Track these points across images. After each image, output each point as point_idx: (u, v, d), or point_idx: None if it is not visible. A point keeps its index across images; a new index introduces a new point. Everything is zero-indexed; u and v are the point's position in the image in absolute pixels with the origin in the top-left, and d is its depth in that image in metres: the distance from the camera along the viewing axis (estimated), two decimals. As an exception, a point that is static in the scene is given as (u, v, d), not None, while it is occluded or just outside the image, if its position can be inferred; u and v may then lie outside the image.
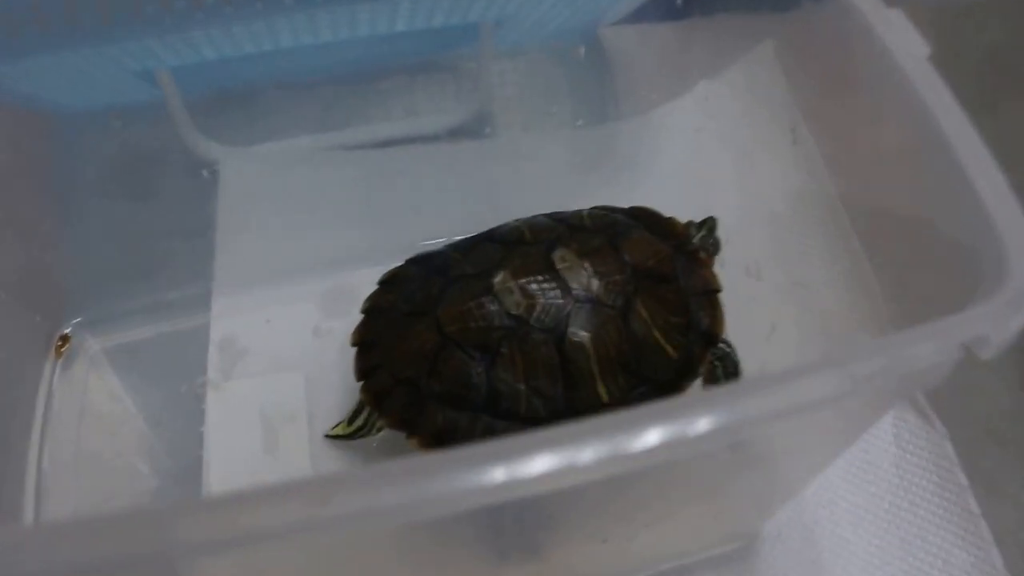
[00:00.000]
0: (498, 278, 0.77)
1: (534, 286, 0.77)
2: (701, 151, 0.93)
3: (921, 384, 0.54)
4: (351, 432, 0.84)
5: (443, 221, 0.95)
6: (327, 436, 0.85)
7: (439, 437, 0.76)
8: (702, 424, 0.47)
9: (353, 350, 0.80)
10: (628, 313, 0.77)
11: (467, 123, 1.00)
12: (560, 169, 0.96)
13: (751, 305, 0.84)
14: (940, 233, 0.64)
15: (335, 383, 0.88)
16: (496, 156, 0.98)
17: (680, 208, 0.87)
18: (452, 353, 0.76)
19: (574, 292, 0.77)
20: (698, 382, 0.80)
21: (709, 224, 0.87)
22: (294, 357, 0.90)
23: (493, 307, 0.76)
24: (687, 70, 0.97)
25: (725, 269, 0.85)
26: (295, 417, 0.87)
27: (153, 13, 0.79)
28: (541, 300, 0.76)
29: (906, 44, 0.67)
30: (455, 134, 1.00)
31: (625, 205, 0.88)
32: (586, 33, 1.01)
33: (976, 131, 0.62)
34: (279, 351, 0.91)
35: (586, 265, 0.78)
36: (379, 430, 0.83)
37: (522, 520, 0.62)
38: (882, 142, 0.74)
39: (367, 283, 0.86)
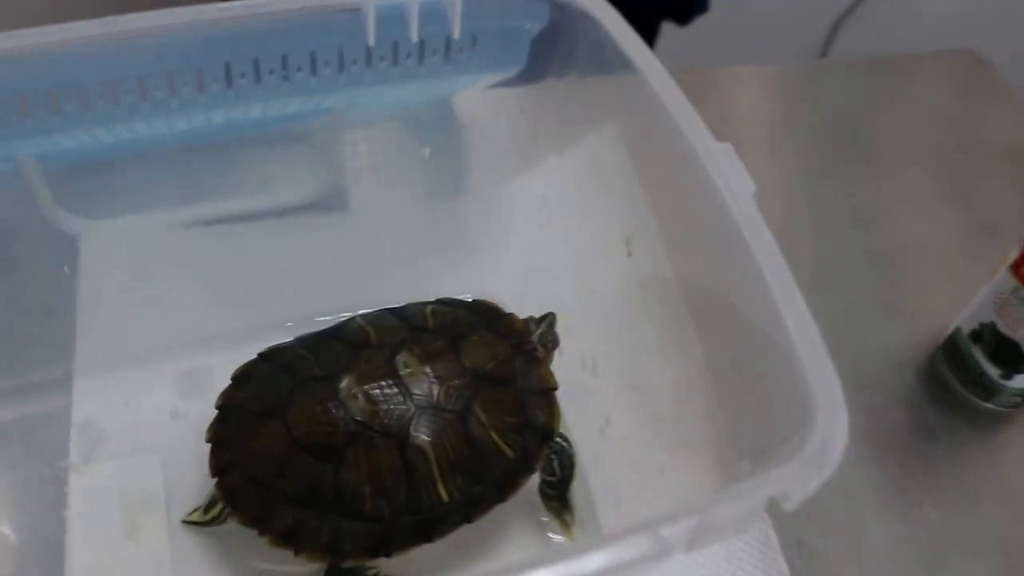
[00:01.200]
0: (344, 383, 0.78)
1: (377, 392, 0.78)
2: (539, 236, 0.94)
3: (734, 530, 0.56)
4: (207, 520, 0.84)
5: (300, 301, 0.94)
6: (184, 521, 0.85)
7: (288, 536, 0.77)
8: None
9: (204, 439, 0.81)
10: (466, 417, 0.79)
11: (322, 197, 0.99)
12: (411, 249, 0.96)
13: (586, 398, 0.86)
14: (767, 367, 0.66)
15: (192, 466, 0.86)
16: (351, 232, 0.98)
17: (524, 297, 0.88)
18: (300, 456, 0.77)
19: (416, 398, 0.78)
20: (536, 475, 0.83)
21: (549, 320, 0.88)
22: (152, 440, 0.89)
23: (339, 413, 0.77)
24: (537, 141, 0.97)
25: (563, 359, 0.86)
26: (153, 501, 0.86)
27: (13, 120, 0.78)
28: (384, 406, 0.77)
29: (733, 180, 0.69)
30: (311, 208, 0.98)
31: (473, 291, 0.90)
32: (440, 101, 1.00)
33: (791, 277, 0.65)
34: (137, 434, 0.90)
35: (427, 370, 0.79)
36: (232, 518, 0.82)
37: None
38: (712, 266, 0.76)
39: (225, 364, 0.85)
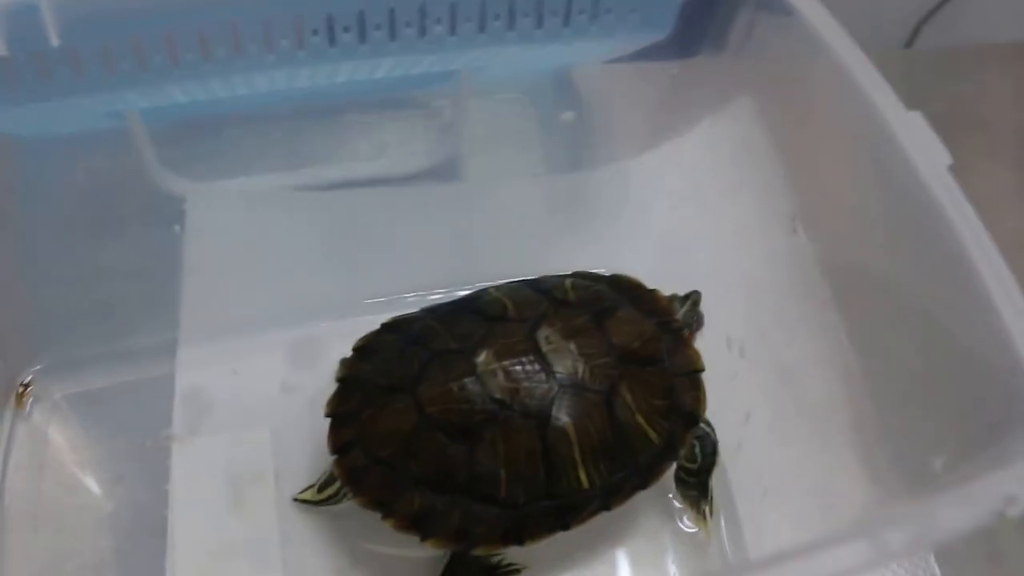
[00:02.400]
0: (482, 358, 0.71)
1: (518, 368, 0.71)
2: (682, 211, 0.88)
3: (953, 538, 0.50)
4: (322, 499, 0.78)
5: (415, 272, 0.88)
6: (296, 499, 0.79)
7: (415, 520, 0.71)
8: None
9: (322, 407, 0.75)
10: (612, 399, 0.72)
11: (438, 166, 0.92)
12: (537, 222, 0.90)
13: (730, 383, 0.79)
14: (962, 359, 0.60)
15: (303, 440, 0.81)
16: (469, 204, 0.91)
17: (662, 274, 0.81)
18: (432, 435, 0.70)
19: (558, 376, 0.71)
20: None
21: (693, 298, 0.82)
22: (261, 412, 0.83)
23: (476, 389, 0.70)
24: (674, 115, 0.90)
25: (706, 341, 0.80)
26: (262, 476, 0.80)
27: (128, 70, 0.70)
28: (525, 384, 0.71)
29: (928, 151, 0.61)
30: (426, 177, 0.92)
31: (606, 266, 0.83)
32: (559, 74, 0.93)
33: (999, 254, 0.58)
34: (246, 405, 0.84)
35: (571, 347, 0.72)
36: (350, 500, 0.76)
37: None
38: (895, 247, 0.68)
39: (334, 336, 0.80)
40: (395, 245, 0.90)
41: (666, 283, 0.81)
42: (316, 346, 0.86)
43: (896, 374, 0.70)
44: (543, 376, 0.71)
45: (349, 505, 0.76)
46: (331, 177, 0.92)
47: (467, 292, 0.81)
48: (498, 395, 0.70)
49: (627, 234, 0.90)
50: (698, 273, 0.83)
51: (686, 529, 0.80)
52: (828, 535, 0.48)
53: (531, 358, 0.72)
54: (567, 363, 0.72)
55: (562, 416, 0.71)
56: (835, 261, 0.75)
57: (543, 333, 0.73)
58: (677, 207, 0.89)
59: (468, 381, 0.71)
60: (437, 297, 0.84)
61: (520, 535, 0.71)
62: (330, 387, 0.76)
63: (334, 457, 0.73)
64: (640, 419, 0.73)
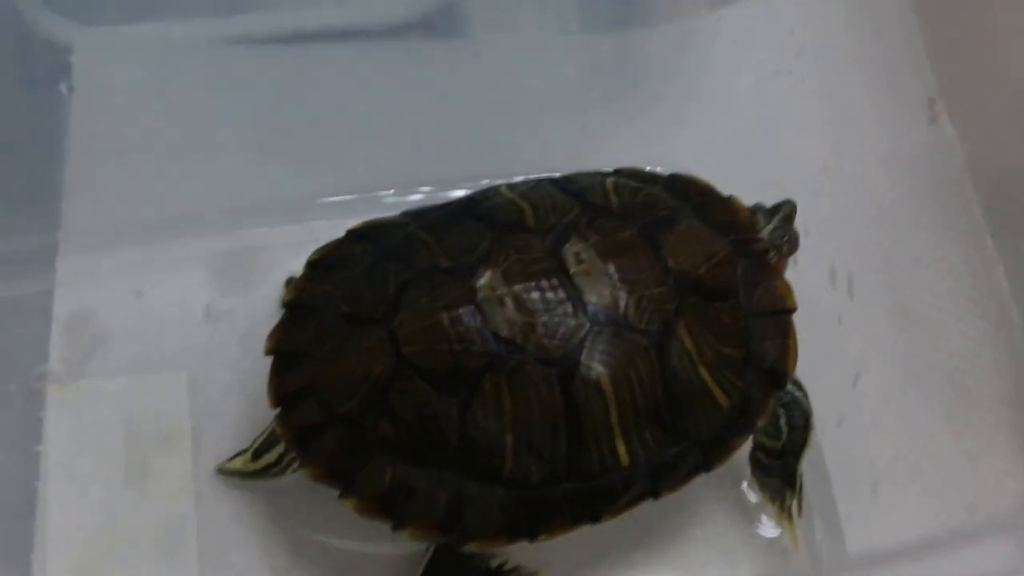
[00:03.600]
0: (483, 280, 0.73)
1: (535, 296, 0.73)
2: (773, 90, 0.89)
3: None
4: (256, 470, 0.81)
5: (394, 162, 0.90)
6: (220, 470, 0.82)
7: (386, 500, 0.73)
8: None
9: (261, 342, 0.76)
10: (666, 343, 0.74)
11: (430, 14, 0.93)
12: (568, 98, 0.91)
13: (834, 331, 0.82)
14: None
15: (233, 388, 0.84)
16: (472, 70, 0.92)
17: (740, 177, 0.83)
18: (412, 383, 0.72)
19: (591, 309, 0.73)
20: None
21: (785, 211, 0.83)
22: (175, 348, 0.86)
23: (474, 322, 0.72)
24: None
25: (800, 275, 0.81)
26: (174, 436, 0.83)
27: None
28: (544, 318, 0.72)
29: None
30: (412, 30, 0.93)
31: (662, 166, 0.85)
32: None
33: None
34: (153, 338, 0.86)
35: (611, 269, 0.74)
36: (296, 470, 0.78)
37: None
38: None
39: (280, 246, 0.84)
40: (366, 124, 0.91)
41: (748, 189, 0.82)
42: (254, 260, 0.88)
43: None
44: (570, 308, 0.73)
45: (295, 479, 0.78)
46: (277, 26, 0.93)
47: (467, 192, 0.82)
48: (505, 332, 0.72)
49: (695, 119, 0.91)
50: (793, 177, 0.84)
51: (765, 533, 0.81)
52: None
53: (554, 282, 0.73)
54: (604, 292, 0.74)
55: (595, 364, 0.72)
56: (991, 164, 0.76)
57: (572, 249, 0.75)
58: (766, 85, 0.90)
59: (464, 311, 0.72)
60: (424, 198, 0.86)
61: (531, 527, 0.73)
62: (273, 316, 0.78)
63: (276, 411, 0.75)
64: (704, 373, 0.74)
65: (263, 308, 0.81)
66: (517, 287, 0.73)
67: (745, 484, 0.82)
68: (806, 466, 0.81)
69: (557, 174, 0.82)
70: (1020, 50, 0.73)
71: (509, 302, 0.73)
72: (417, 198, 0.87)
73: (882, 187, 0.81)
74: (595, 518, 0.74)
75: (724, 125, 0.91)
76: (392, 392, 0.73)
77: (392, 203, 0.85)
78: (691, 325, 0.75)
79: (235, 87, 0.91)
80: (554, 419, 0.72)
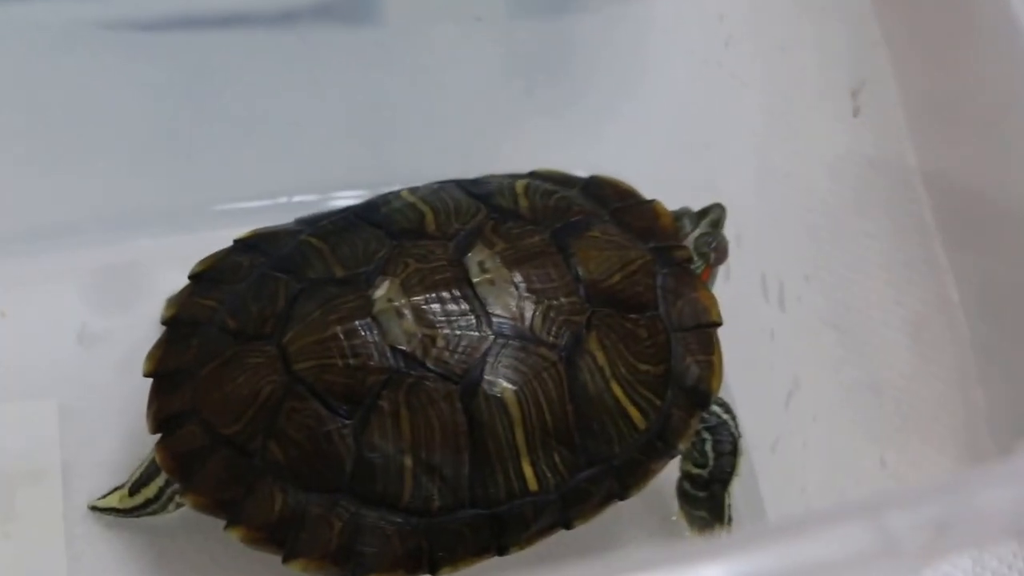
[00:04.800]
0: (381, 291, 0.88)
1: (435, 307, 0.88)
2: (703, 83, 1.02)
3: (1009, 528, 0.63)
4: (134, 506, 0.95)
5: (290, 165, 1.03)
6: (94, 508, 0.96)
7: (276, 529, 0.86)
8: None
9: (140, 365, 0.90)
10: (576, 357, 0.89)
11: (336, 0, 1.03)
12: (482, 91, 1.05)
13: (766, 346, 0.95)
14: None
15: (109, 418, 0.96)
16: (381, 61, 1.04)
17: (669, 179, 0.97)
18: (304, 403, 0.87)
19: (496, 321, 0.88)
20: (673, 463, 0.92)
21: (714, 215, 0.98)
22: (44, 374, 0.97)
23: (371, 336, 0.87)
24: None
25: (732, 283, 0.96)
26: (42, 472, 0.94)
27: None
28: (445, 331, 0.87)
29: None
30: (315, 16, 1.04)
31: (586, 166, 0.99)
32: None
33: None
34: (20, 364, 0.97)
35: (517, 278, 0.89)
36: (179, 506, 0.93)
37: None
38: (993, 138, 0.84)
39: (162, 259, 0.96)
40: (259, 122, 1.04)
41: (674, 192, 0.96)
42: (134, 275, 1.00)
43: (1004, 326, 0.83)
44: (473, 320, 0.87)
45: (178, 515, 0.91)
46: (159, 9, 1.03)
47: (370, 198, 0.96)
48: (404, 345, 0.86)
49: (623, 116, 1.05)
50: (726, 179, 0.98)
51: (697, 572, 0.93)
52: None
53: (456, 293, 0.88)
54: (509, 302, 0.88)
55: (499, 380, 0.87)
56: (943, 165, 0.88)
57: (476, 257, 0.89)
58: (696, 77, 1.03)
59: (360, 324, 0.87)
60: (324, 203, 0.99)
61: (432, 558, 0.86)
62: (153, 336, 0.91)
63: (157, 437, 0.88)
64: (617, 390, 0.89)
65: (144, 329, 0.92)
66: (416, 298, 0.87)
67: (675, 516, 0.95)
68: (739, 496, 0.95)
69: (470, 176, 0.96)
70: (943, 39, 0.87)
71: (408, 314, 0.87)
72: (316, 204, 0.99)
73: (822, 190, 0.94)
74: (502, 549, 0.87)
75: (653, 122, 1.06)
76: (282, 412, 0.87)
77: (290, 210, 0.96)
78: (603, 339, 0.90)
79: (110, 79, 1.02)
80: (456, 439, 0.87)
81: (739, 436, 0.96)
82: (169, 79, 1.04)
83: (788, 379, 0.96)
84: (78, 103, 1.02)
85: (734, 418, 0.96)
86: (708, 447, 0.95)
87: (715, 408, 0.94)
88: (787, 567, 0.57)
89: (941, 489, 0.62)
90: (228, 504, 0.87)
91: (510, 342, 0.88)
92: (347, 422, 0.86)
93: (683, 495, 0.97)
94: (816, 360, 0.96)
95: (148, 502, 0.94)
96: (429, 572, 0.86)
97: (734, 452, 0.95)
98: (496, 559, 0.88)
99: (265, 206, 1.03)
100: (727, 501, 0.95)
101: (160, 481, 0.92)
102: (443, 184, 0.96)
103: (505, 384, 0.87)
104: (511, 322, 0.88)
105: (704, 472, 0.95)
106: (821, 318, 0.97)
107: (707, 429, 0.95)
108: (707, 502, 0.95)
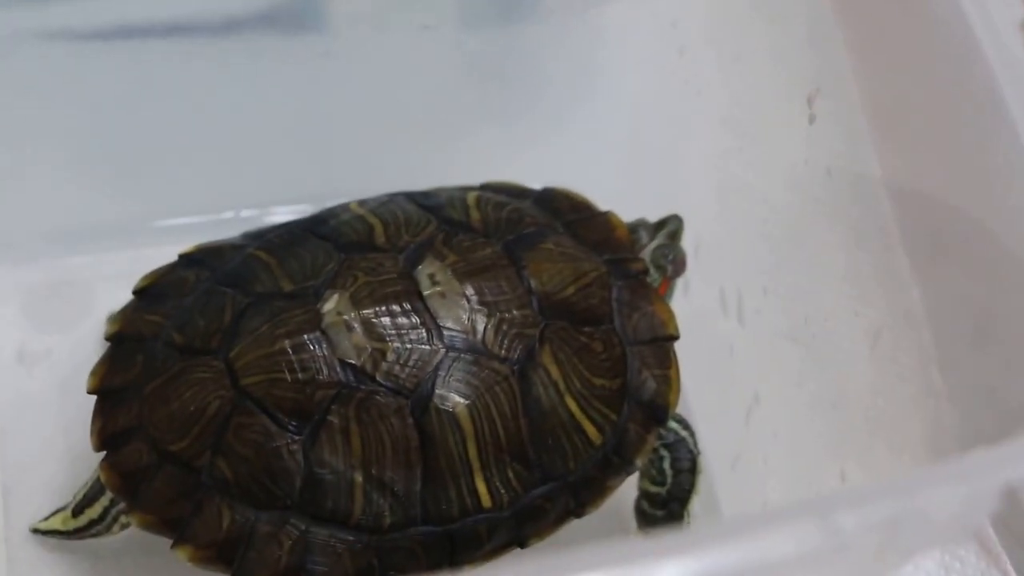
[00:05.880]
0: (330, 305, 0.97)
1: (385, 321, 0.97)
2: (658, 91, 1.11)
3: (964, 529, 0.72)
4: (78, 528, 1.03)
5: (234, 178, 1.12)
6: (36, 531, 1.04)
7: (224, 547, 0.94)
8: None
9: (84, 383, 0.98)
10: (529, 371, 0.98)
11: (274, 6, 1.12)
12: (433, 102, 1.13)
13: (725, 360, 1.04)
14: None
15: (52, 440, 1.04)
16: (329, 71, 1.12)
17: (626, 190, 1.06)
18: (252, 418, 0.95)
19: (447, 335, 0.97)
20: (632, 482, 1.01)
21: (671, 227, 1.07)
22: None
23: (320, 350, 0.96)
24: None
25: (690, 296, 1.05)
26: None
27: None
28: (395, 344, 0.96)
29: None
30: (258, 24, 1.12)
31: (541, 179, 1.08)
32: None
33: None
34: None
35: (469, 291, 0.98)
36: (125, 527, 1.01)
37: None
38: (948, 145, 0.92)
39: (104, 276, 1.05)
40: (203, 135, 1.11)
41: (630, 204, 1.05)
42: (75, 293, 1.08)
43: (964, 338, 0.91)
44: (424, 333, 0.96)
45: (123, 537, 0.98)
46: (104, 19, 1.10)
47: (318, 211, 1.04)
48: (353, 359, 0.95)
49: (577, 126, 1.13)
50: (683, 190, 1.07)
51: (653, 586, 1.00)
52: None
53: (406, 306, 0.96)
54: (461, 316, 0.97)
55: (450, 394, 0.95)
56: (908, 173, 0.96)
57: (426, 269, 0.97)
58: (650, 86, 1.12)
59: (308, 338, 0.95)
60: (271, 218, 1.07)
61: None
62: (96, 354, 0.98)
63: (101, 455, 0.96)
64: (572, 405, 0.98)
65: (86, 347, 1.00)
66: (366, 311, 0.96)
67: (630, 529, 1.04)
68: (698, 515, 1.03)
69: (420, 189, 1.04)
70: (895, 39, 0.95)
71: (357, 327, 0.96)
72: (261, 219, 1.08)
73: (781, 200, 1.03)
74: (455, 567, 0.95)
75: (608, 132, 1.15)
76: (230, 428, 0.95)
77: (235, 225, 1.04)
78: (557, 352, 0.99)
79: (48, 90, 1.09)
80: (407, 455, 0.95)
81: (698, 453, 1.04)
82: (110, 90, 1.11)
83: (748, 394, 1.04)
84: (15, 115, 1.09)
85: (692, 435, 1.05)
86: (666, 464, 1.04)
87: (673, 424, 1.03)
88: (738, 565, 0.63)
89: (893, 488, 0.68)
90: (175, 522, 0.94)
91: (462, 356, 0.97)
92: (296, 438, 0.94)
93: (641, 514, 1.06)
94: (776, 374, 1.03)
95: (92, 523, 1.02)
96: (380, 591, 0.91)
97: (693, 470, 1.04)
98: (449, 578, 0.90)
99: (209, 221, 1.11)
100: (686, 520, 1.04)
101: (105, 501, 1.00)
102: (393, 196, 1.05)
103: (457, 398, 0.96)
104: (463, 335, 0.97)
105: (662, 490, 1.04)
106: (780, 331, 1.05)
107: (665, 446, 1.04)
108: (665, 521, 1.04)
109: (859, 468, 0.99)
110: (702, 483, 1.04)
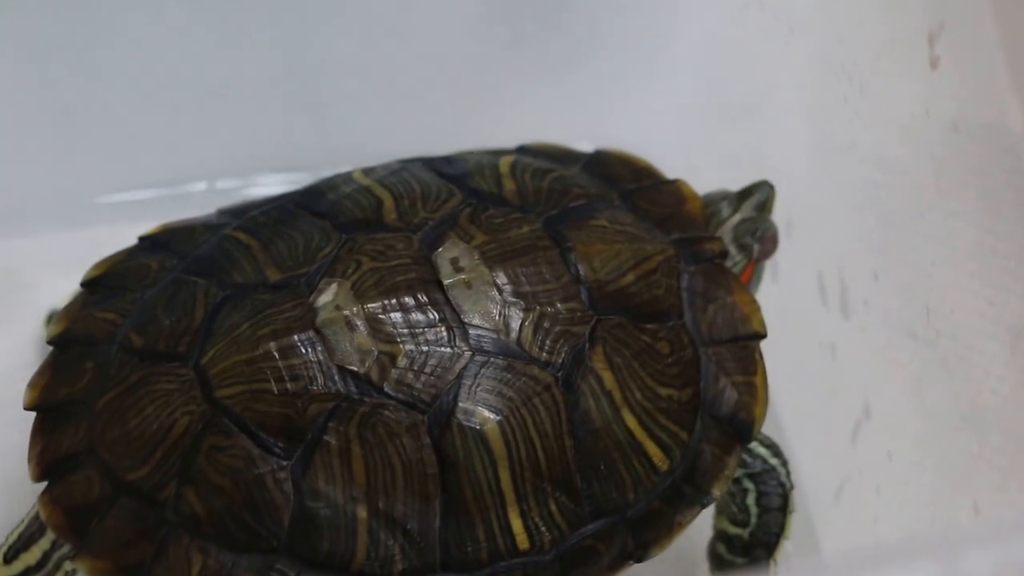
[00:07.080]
0: (326, 296, 0.93)
1: (396, 318, 0.93)
2: (741, 31, 1.07)
3: None
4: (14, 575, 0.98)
5: (209, 144, 1.09)
6: None
7: None
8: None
9: (19, 394, 0.94)
10: (576, 380, 0.94)
11: None
12: (459, 46, 1.10)
13: (826, 366, 0.99)
14: None
15: None
16: (328, 6, 1.09)
17: (698, 154, 1.03)
18: (228, 440, 0.92)
19: (473, 334, 0.93)
20: (706, 518, 0.96)
21: (759, 197, 1.01)
22: None
23: (313, 355, 0.92)
24: None
25: (780, 286, 1.00)
26: None
27: None
28: (408, 346, 0.92)
29: None
30: None
31: (591, 138, 1.04)
32: None
33: None
34: None
35: (500, 280, 0.94)
36: (70, 574, 0.97)
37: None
38: None
39: (46, 263, 1.02)
40: (168, 86, 1.09)
41: (707, 169, 1.01)
42: (7, 283, 1.06)
43: None
44: (444, 332, 0.92)
45: None
46: None
47: (313, 182, 1.00)
48: (356, 366, 0.91)
49: (635, 75, 1.11)
50: (772, 153, 1.02)
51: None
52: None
53: (422, 298, 0.93)
54: (491, 310, 0.93)
55: (478, 408, 0.92)
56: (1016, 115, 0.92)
57: (448, 253, 0.94)
58: (731, 25, 1.08)
59: (299, 340, 0.92)
60: (251, 190, 1.05)
61: None
62: (35, 361, 0.95)
63: (41, 486, 0.92)
64: (631, 421, 0.94)
65: (20, 351, 0.98)
66: (372, 305, 0.93)
67: (703, 571, 0.98)
68: (791, 558, 0.97)
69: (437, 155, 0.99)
70: None
71: (360, 325, 0.92)
72: (241, 191, 1.05)
73: (895, 162, 0.98)
74: None
75: (678, 82, 1.11)
76: (201, 452, 0.92)
77: (208, 199, 1.01)
78: (612, 355, 0.95)
79: None
80: (423, 484, 0.91)
81: (791, 487, 0.98)
82: (51, 36, 1.07)
83: (856, 406, 0.99)
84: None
85: (784, 463, 0.99)
86: (751, 500, 0.98)
87: (760, 450, 0.98)
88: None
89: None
90: (133, 569, 0.90)
91: (492, 360, 0.93)
92: (284, 463, 0.90)
93: (717, 560, 1.00)
94: (890, 381, 0.98)
95: (29, 571, 0.97)
96: (392, 658, 0.86)
97: (784, 508, 0.98)
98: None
99: (175, 195, 1.07)
100: (773, 570, 0.98)
101: (45, 543, 0.97)
102: (406, 163, 1.00)
103: (485, 413, 0.92)
104: (493, 335, 0.94)
105: (744, 532, 0.98)
106: (896, 327, 1.00)
107: (749, 476, 0.98)
108: (747, 570, 0.97)
109: (995, 500, 0.94)
110: (795, 523, 0.98)
